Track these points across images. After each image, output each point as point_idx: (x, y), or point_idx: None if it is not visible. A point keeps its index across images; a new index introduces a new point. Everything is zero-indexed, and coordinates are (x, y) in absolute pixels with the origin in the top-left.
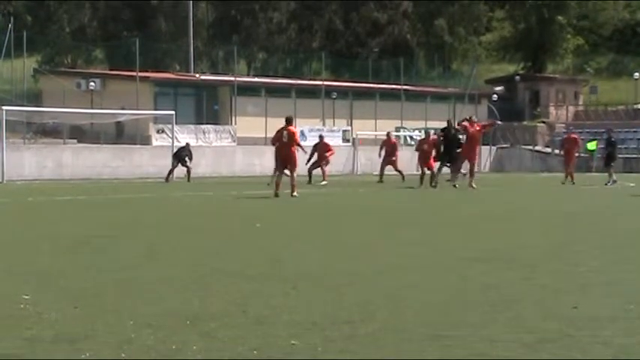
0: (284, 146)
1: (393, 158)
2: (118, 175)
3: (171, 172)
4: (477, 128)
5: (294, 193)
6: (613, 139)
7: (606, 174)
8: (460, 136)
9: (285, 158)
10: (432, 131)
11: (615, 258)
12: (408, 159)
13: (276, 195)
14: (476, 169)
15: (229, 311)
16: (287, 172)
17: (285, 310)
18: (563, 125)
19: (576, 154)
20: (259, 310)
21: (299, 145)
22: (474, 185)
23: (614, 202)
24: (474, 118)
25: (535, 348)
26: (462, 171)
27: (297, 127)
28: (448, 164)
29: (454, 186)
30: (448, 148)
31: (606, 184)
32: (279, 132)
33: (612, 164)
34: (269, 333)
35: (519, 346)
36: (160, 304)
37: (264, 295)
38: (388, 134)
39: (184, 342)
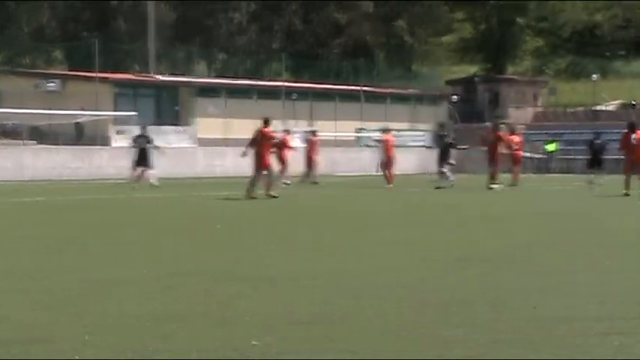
0: (258, 147)
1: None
2: (79, 177)
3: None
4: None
5: (271, 193)
6: (598, 142)
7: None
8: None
9: (257, 159)
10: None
11: (575, 258)
12: (368, 159)
13: (252, 197)
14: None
15: (189, 312)
16: (264, 172)
17: (246, 310)
18: (524, 126)
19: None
20: (220, 311)
21: (288, 146)
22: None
23: (576, 203)
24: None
25: (490, 348)
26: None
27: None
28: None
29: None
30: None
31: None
32: (255, 133)
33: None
34: (229, 333)
35: (474, 347)
36: (120, 305)
37: (224, 295)
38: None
39: (143, 343)
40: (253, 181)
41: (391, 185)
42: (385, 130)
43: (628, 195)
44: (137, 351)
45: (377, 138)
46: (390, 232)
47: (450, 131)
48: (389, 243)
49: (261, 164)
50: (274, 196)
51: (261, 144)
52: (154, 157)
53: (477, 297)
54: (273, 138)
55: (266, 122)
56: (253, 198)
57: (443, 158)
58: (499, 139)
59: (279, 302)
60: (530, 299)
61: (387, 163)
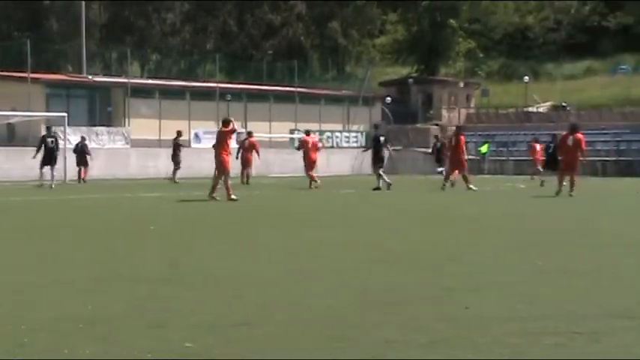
0: (216, 148)
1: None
2: (11, 178)
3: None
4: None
5: (214, 196)
6: (553, 145)
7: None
8: (382, 140)
9: (216, 161)
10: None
11: (508, 258)
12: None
13: (213, 198)
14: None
15: (124, 314)
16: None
17: (181, 312)
18: (453, 129)
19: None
20: (155, 313)
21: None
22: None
23: (509, 203)
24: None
25: (429, 348)
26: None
27: (192, 130)
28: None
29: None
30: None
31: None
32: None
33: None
34: (164, 336)
35: (414, 347)
36: (54, 308)
37: (160, 297)
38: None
39: (77, 346)
40: (214, 182)
41: (318, 182)
42: (307, 132)
43: (558, 194)
44: (74, 354)
45: (299, 139)
46: (327, 233)
47: (384, 132)
48: (326, 244)
49: (220, 165)
50: (216, 199)
51: (218, 145)
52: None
53: (415, 297)
54: (230, 137)
55: (224, 123)
56: (214, 199)
57: (378, 159)
58: (462, 142)
59: (217, 304)
60: (466, 299)
61: (307, 164)
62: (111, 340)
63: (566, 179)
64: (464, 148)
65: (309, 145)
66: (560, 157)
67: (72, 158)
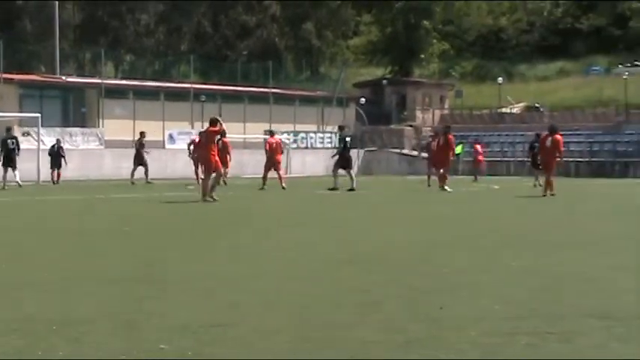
0: (201, 148)
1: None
2: None
3: (55, 173)
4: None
5: (212, 195)
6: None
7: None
8: (348, 141)
9: (202, 161)
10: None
11: (482, 259)
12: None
13: (212, 198)
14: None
15: (97, 316)
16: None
17: (154, 314)
18: (430, 128)
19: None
20: (128, 315)
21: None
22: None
23: (485, 204)
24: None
25: (404, 349)
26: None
27: (166, 130)
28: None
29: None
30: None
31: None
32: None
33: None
34: (137, 337)
35: (388, 347)
36: (26, 309)
37: (133, 299)
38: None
39: (50, 347)
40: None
41: (284, 185)
42: (270, 132)
43: (545, 196)
44: (47, 355)
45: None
46: (301, 233)
47: (351, 133)
48: (300, 244)
49: (203, 166)
50: (214, 200)
51: (204, 145)
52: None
53: (390, 298)
54: (215, 138)
55: (212, 122)
56: (208, 200)
57: (344, 160)
58: (450, 141)
59: (191, 305)
60: (440, 299)
61: (270, 165)
62: (85, 342)
63: (542, 180)
64: (453, 147)
65: (274, 146)
66: (539, 158)
67: (46, 159)
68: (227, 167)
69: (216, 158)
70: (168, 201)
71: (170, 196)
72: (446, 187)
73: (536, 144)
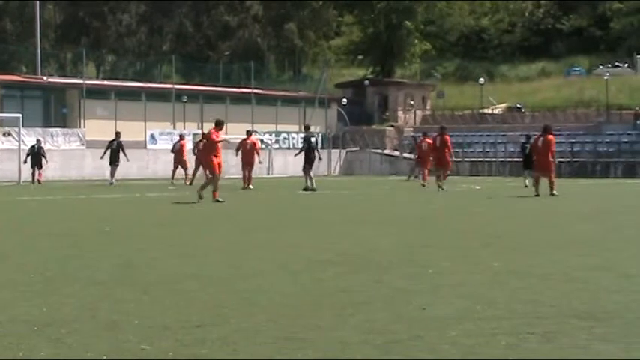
0: (203, 149)
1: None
2: None
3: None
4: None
5: (200, 194)
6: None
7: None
8: (312, 142)
9: (202, 163)
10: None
11: (464, 259)
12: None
13: (217, 201)
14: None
15: (78, 316)
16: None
17: (135, 314)
18: (412, 129)
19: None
20: (109, 315)
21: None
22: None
23: (467, 204)
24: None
25: (385, 349)
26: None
27: (148, 130)
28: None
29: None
30: (308, 154)
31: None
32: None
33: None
34: (119, 338)
35: (370, 348)
36: (7, 310)
37: (114, 299)
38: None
39: (32, 348)
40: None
41: (250, 186)
42: (248, 132)
43: (537, 195)
44: (29, 356)
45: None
46: (281, 234)
47: (315, 134)
48: (281, 245)
49: (211, 169)
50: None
51: (204, 147)
52: None
53: (370, 298)
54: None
55: (218, 125)
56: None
57: (308, 161)
58: (447, 142)
59: (171, 306)
60: (422, 300)
61: (243, 165)
62: (66, 342)
63: (529, 181)
64: (450, 147)
65: (248, 147)
66: (534, 159)
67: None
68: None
69: (219, 161)
70: (149, 201)
71: (152, 197)
72: (442, 187)
73: (527, 145)
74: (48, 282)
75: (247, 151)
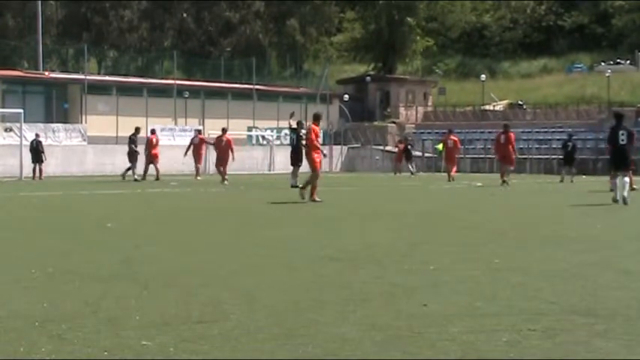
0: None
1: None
2: None
3: (36, 169)
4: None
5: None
6: (571, 143)
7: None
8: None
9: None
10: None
11: (465, 256)
12: (260, 158)
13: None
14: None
15: (79, 312)
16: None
17: (136, 310)
18: (413, 125)
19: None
20: (110, 311)
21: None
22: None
23: (468, 201)
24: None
25: (386, 346)
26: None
27: (149, 127)
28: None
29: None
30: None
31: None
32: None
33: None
34: (120, 334)
35: (370, 345)
36: (8, 306)
37: (115, 296)
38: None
39: (33, 344)
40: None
41: (225, 182)
42: (224, 129)
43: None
44: (30, 352)
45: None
46: (281, 230)
47: (305, 129)
48: (281, 241)
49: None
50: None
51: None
52: None
53: (371, 295)
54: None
55: (316, 118)
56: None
57: (298, 157)
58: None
59: (173, 302)
60: (423, 296)
61: (218, 160)
62: (67, 338)
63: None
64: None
65: (223, 144)
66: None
67: (27, 155)
68: (200, 162)
69: (320, 157)
70: (151, 197)
71: (154, 192)
72: (507, 182)
73: (569, 143)
74: (49, 278)
75: (222, 148)
